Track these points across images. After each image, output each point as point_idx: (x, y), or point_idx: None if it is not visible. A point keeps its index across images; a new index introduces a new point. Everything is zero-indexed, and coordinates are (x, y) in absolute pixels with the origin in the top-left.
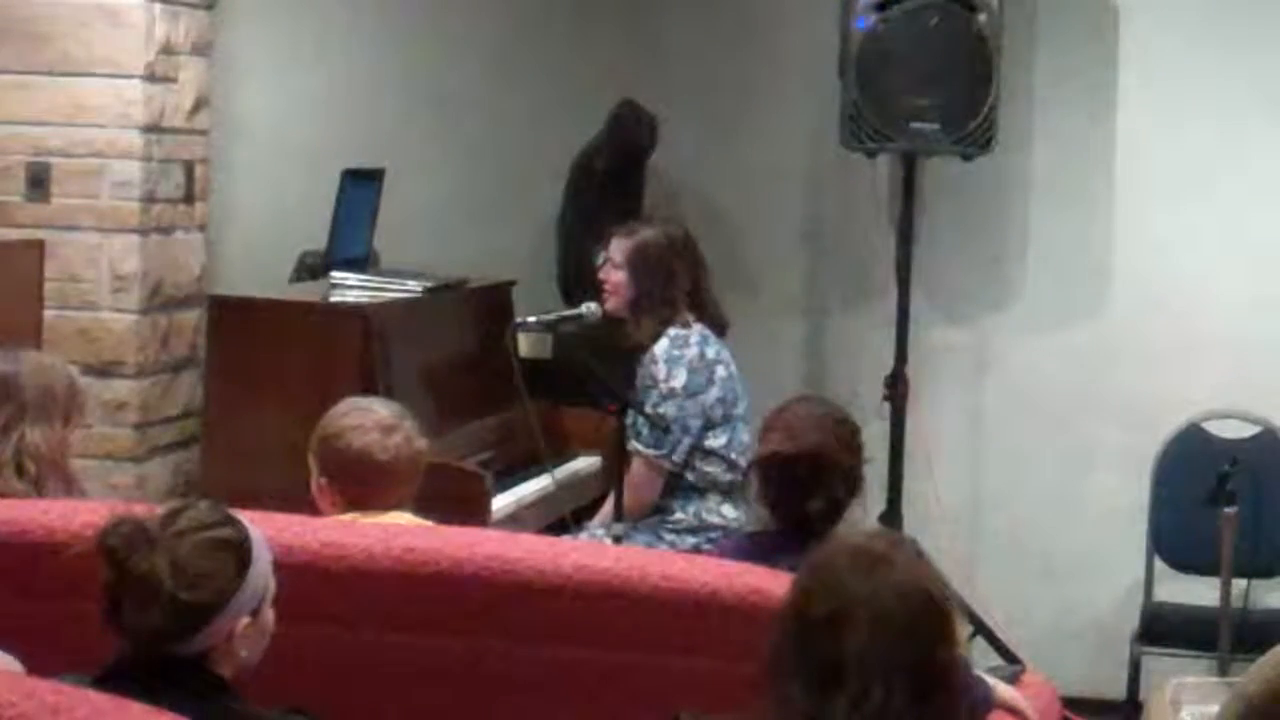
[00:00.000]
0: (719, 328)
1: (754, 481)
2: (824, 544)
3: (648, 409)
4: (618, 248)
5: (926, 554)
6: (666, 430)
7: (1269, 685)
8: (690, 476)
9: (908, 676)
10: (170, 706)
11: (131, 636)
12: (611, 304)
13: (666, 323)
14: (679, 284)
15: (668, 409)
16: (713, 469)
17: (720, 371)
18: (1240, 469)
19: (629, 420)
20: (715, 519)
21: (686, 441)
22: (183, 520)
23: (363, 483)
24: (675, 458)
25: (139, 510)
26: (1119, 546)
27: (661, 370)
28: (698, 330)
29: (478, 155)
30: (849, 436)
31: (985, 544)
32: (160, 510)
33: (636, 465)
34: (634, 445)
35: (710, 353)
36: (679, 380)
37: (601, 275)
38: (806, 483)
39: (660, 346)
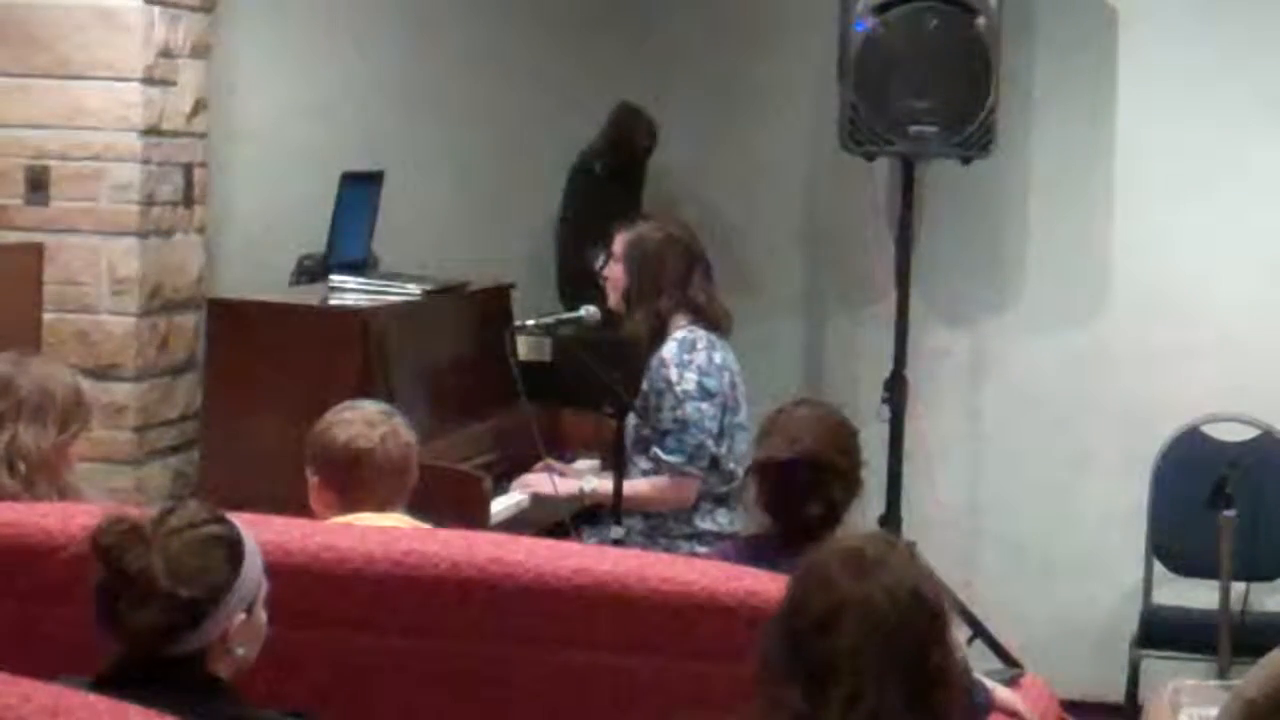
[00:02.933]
0: (718, 329)
1: (752, 485)
2: (819, 546)
3: (665, 413)
4: (619, 241)
5: (923, 557)
6: (685, 429)
7: (1269, 688)
8: None
9: (901, 678)
10: (168, 708)
11: (128, 637)
12: (612, 299)
13: (657, 316)
14: (668, 279)
15: (686, 412)
16: (710, 477)
17: (726, 378)
18: (1239, 472)
19: (646, 430)
20: (710, 526)
21: (709, 444)
22: (174, 519)
23: (349, 476)
24: (701, 464)
25: (132, 511)
26: (1118, 549)
27: (674, 373)
28: (704, 335)
29: (477, 158)
30: (847, 439)
31: (984, 547)
32: (152, 511)
33: (664, 476)
34: (657, 453)
35: (718, 358)
36: (691, 383)
37: (605, 272)
38: (805, 486)
39: (669, 350)
